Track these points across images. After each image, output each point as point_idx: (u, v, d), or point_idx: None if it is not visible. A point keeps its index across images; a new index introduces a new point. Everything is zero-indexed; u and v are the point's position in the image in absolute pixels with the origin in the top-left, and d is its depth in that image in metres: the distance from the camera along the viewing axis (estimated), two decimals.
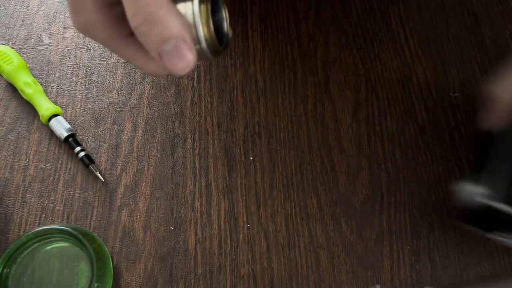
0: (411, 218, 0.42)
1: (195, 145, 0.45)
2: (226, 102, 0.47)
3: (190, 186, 0.43)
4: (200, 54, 0.25)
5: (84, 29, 0.26)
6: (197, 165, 0.44)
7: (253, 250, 0.40)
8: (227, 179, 0.43)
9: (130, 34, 0.26)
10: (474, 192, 0.34)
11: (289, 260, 0.40)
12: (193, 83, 0.48)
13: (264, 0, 0.52)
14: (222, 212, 0.42)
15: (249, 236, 0.41)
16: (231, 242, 0.41)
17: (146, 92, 0.47)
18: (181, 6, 0.24)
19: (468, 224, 0.39)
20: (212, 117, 0.46)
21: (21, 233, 0.40)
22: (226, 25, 0.26)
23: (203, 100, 0.47)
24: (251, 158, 0.44)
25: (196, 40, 0.24)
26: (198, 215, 0.42)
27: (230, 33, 0.27)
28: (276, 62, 0.49)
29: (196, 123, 0.46)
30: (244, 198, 0.42)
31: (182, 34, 0.23)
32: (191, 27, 0.23)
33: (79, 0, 0.25)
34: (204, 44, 0.24)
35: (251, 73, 0.48)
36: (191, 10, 0.23)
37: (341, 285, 0.39)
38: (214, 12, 0.26)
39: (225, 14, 0.26)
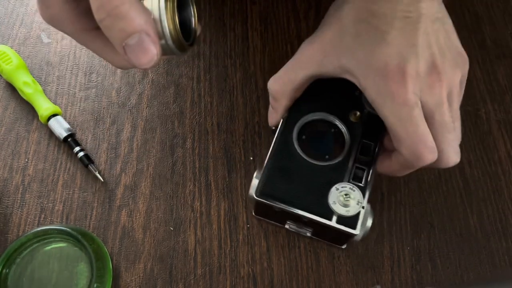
0: (411, 219, 0.42)
1: (195, 145, 0.44)
2: (226, 102, 0.47)
3: (189, 186, 0.43)
4: (165, 49, 0.25)
5: (51, 21, 0.27)
6: (197, 165, 0.43)
7: (253, 250, 0.40)
8: (227, 179, 0.43)
9: (97, 27, 0.26)
10: (253, 186, 0.36)
11: (289, 260, 0.40)
12: (193, 83, 0.48)
13: (264, 0, 0.52)
14: (222, 212, 0.42)
15: (249, 237, 0.41)
16: (231, 242, 0.40)
17: (146, 92, 0.47)
18: (147, 2, 0.24)
19: (264, 218, 0.41)
20: (212, 117, 0.46)
21: (20, 234, 0.40)
22: (194, 21, 0.26)
23: (203, 100, 0.47)
24: (251, 158, 0.44)
25: (162, 35, 0.24)
26: (198, 215, 0.41)
27: (199, 30, 0.27)
28: (276, 62, 0.49)
29: (196, 123, 0.46)
30: (244, 198, 0.42)
31: (145, 28, 0.23)
32: (157, 22, 0.24)
33: None
34: (169, 40, 0.24)
35: (251, 73, 0.48)
36: (157, 5, 0.24)
37: (341, 285, 0.39)
38: (182, 8, 0.26)
39: (193, 10, 0.26)
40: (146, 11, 0.23)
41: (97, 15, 0.23)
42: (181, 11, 0.26)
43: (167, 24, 0.24)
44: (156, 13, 0.24)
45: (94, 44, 0.27)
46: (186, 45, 0.25)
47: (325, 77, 0.36)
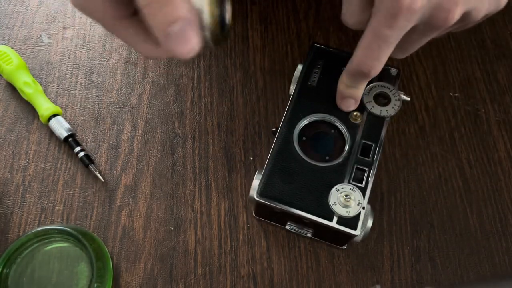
0: (411, 218, 0.42)
1: (195, 145, 0.44)
2: (226, 102, 0.47)
3: (190, 186, 0.43)
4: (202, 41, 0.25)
5: (82, 5, 0.25)
6: (197, 165, 0.44)
7: (253, 250, 0.40)
8: (227, 179, 0.43)
9: (131, 15, 0.26)
10: (254, 187, 0.36)
11: (289, 260, 0.40)
12: (193, 83, 0.48)
13: (264, 0, 0.52)
14: (222, 212, 0.42)
15: (249, 236, 0.41)
16: (231, 242, 0.40)
17: (146, 92, 0.47)
18: None
19: (265, 219, 0.41)
20: (212, 117, 0.46)
21: (21, 233, 0.40)
22: (228, 17, 0.26)
23: (203, 100, 0.47)
24: (251, 158, 0.44)
25: (201, 27, 0.24)
26: (198, 215, 0.41)
27: (230, 26, 0.27)
28: (276, 62, 0.49)
29: (196, 123, 0.46)
30: (244, 198, 0.42)
31: (189, 16, 0.22)
32: (198, 13, 0.23)
33: None
34: (207, 31, 0.24)
35: (251, 73, 0.48)
36: None
37: (341, 285, 0.39)
38: (220, 2, 0.26)
39: (228, 6, 0.26)
40: (191, 2, 0.23)
41: (141, 0, 0.22)
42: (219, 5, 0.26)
43: (209, 15, 0.23)
44: (198, 3, 0.23)
45: (125, 32, 0.26)
46: (221, 38, 0.25)
47: None
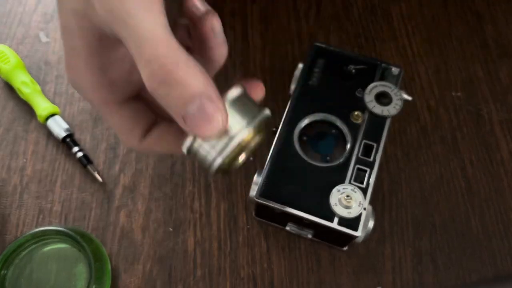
0: (413, 219, 0.41)
1: None
2: None
3: (189, 187, 0.42)
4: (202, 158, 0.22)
5: (74, 85, 0.24)
6: (196, 166, 0.43)
7: (253, 251, 0.40)
8: (227, 180, 0.43)
9: (122, 102, 0.25)
10: (254, 188, 0.35)
11: (290, 261, 0.40)
12: None
13: None
14: (222, 213, 0.41)
15: (249, 237, 0.40)
16: (231, 243, 0.40)
17: None
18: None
19: (265, 220, 0.41)
20: None
21: (19, 234, 0.40)
22: (240, 159, 0.23)
23: None
24: (251, 158, 0.44)
25: (219, 149, 0.22)
26: (198, 216, 0.41)
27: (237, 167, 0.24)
28: (276, 62, 0.49)
29: None
30: (244, 198, 0.42)
31: (206, 91, 0.20)
32: (228, 136, 0.21)
33: (73, 55, 0.23)
34: (221, 158, 0.22)
35: (251, 72, 0.48)
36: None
37: (342, 287, 0.39)
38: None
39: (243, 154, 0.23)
40: (206, 75, 0.21)
41: (149, 85, 0.20)
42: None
43: (229, 155, 0.22)
44: (234, 130, 0.21)
45: (112, 118, 0.25)
46: (224, 171, 0.23)
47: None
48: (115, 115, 0.25)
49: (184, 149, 0.22)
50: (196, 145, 0.22)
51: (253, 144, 0.22)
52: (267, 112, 0.23)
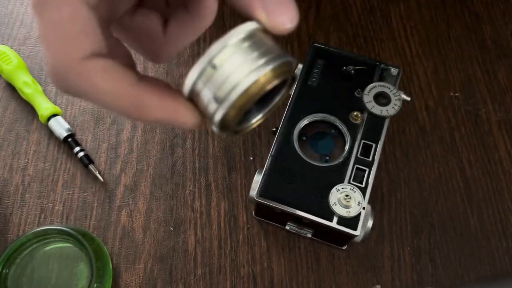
0: (411, 219, 0.42)
1: (195, 145, 0.44)
2: None
3: (189, 187, 0.43)
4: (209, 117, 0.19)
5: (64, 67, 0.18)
6: (197, 165, 0.43)
7: (253, 250, 0.40)
8: (227, 179, 0.43)
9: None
10: (254, 187, 0.36)
11: (289, 260, 0.40)
12: None
13: None
14: (222, 213, 0.42)
15: (249, 237, 0.41)
16: (231, 242, 0.40)
17: None
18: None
19: (265, 219, 0.41)
20: None
21: (20, 234, 0.40)
22: (253, 122, 0.21)
23: None
24: (251, 158, 0.44)
25: (220, 99, 0.18)
26: (198, 215, 0.41)
27: (248, 130, 0.22)
28: None
29: None
30: (244, 198, 0.42)
31: None
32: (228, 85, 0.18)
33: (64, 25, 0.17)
34: (223, 111, 0.18)
35: None
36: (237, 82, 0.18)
37: (341, 286, 0.39)
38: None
39: (260, 115, 0.21)
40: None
41: None
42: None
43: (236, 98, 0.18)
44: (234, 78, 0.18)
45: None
46: (230, 130, 0.20)
47: None
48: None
49: (186, 89, 0.19)
50: (199, 84, 0.18)
51: (267, 89, 0.18)
52: (288, 58, 0.19)
